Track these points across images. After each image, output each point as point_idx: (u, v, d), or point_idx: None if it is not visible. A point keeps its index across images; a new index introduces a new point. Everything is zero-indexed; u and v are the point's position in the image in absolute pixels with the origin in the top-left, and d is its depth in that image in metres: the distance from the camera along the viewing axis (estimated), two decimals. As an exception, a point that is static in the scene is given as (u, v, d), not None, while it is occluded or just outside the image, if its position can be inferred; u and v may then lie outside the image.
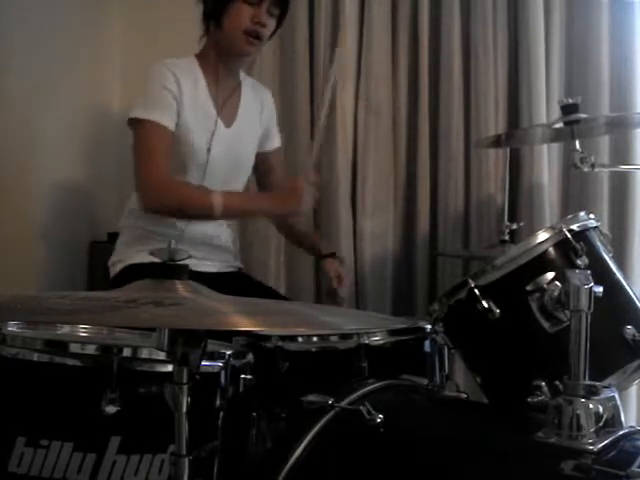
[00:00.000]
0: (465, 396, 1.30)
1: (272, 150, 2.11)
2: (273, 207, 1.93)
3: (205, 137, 1.88)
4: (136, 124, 1.83)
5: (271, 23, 1.91)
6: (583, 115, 1.78)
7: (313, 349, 1.38)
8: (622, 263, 2.13)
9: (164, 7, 2.53)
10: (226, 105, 1.95)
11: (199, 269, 1.79)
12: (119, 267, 1.94)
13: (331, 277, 2.00)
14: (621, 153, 2.29)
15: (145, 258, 1.85)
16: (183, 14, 2.16)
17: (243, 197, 1.99)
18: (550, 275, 1.37)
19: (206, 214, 1.82)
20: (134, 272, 1.83)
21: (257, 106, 2.07)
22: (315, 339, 1.38)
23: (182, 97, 1.84)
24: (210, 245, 1.98)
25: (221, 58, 1.94)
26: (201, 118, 1.88)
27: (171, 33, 2.46)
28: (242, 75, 2.06)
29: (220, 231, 2.02)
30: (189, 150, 1.87)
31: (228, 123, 1.95)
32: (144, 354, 1.12)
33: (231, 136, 1.95)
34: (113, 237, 2.17)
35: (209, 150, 1.87)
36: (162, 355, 1.06)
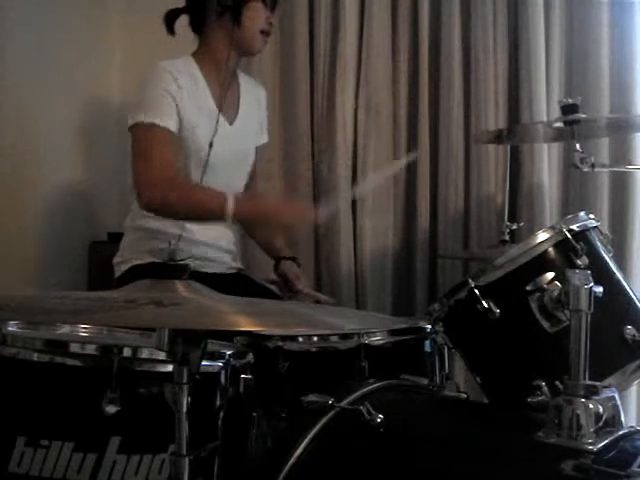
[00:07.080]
0: (465, 396, 1.30)
1: (260, 145, 2.14)
2: (278, 216, 1.90)
3: (208, 135, 1.87)
4: (136, 129, 1.83)
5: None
6: (583, 115, 1.78)
7: (313, 349, 1.39)
8: (622, 263, 2.13)
9: (164, 7, 2.52)
10: (227, 102, 1.96)
11: (201, 270, 1.79)
12: (124, 267, 1.95)
13: (291, 278, 2.05)
14: (621, 153, 2.29)
15: (149, 259, 1.86)
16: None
17: (253, 203, 1.95)
18: (550, 275, 1.36)
19: (217, 217, 1.82)
20: (139, 273, 1.83)
21: (254, 102, 2.09)
22: (315, 339, 1.38)
23: (182, 96, 1.84)
24: (213, 246, 1.98)
25: (231, 55, 1.93)
26: (203, 116, 1.89)
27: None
28: (238, 72, 2.07)
29: (223, 232, 2.02)
30: (192, 148, 1.87)
31: (231, 120, 1.97)
32: (144, 354, 1.12)
33: (234, 133, 1.97)
34: (113, 237, 2.17)
35: (211, 147, 1.87)
36: (162, 355, 1.06)
